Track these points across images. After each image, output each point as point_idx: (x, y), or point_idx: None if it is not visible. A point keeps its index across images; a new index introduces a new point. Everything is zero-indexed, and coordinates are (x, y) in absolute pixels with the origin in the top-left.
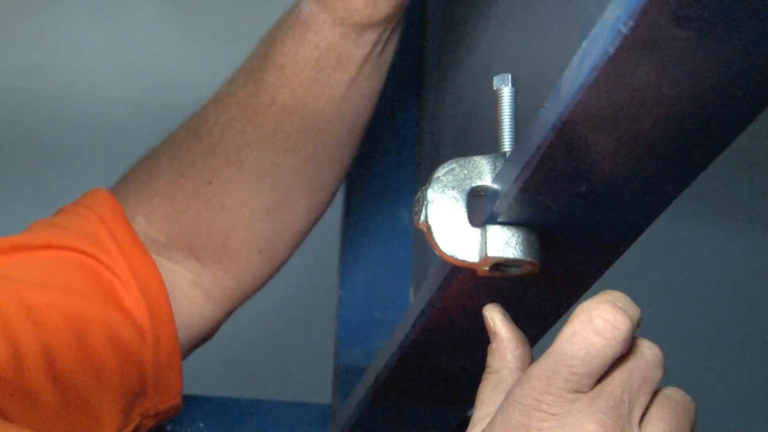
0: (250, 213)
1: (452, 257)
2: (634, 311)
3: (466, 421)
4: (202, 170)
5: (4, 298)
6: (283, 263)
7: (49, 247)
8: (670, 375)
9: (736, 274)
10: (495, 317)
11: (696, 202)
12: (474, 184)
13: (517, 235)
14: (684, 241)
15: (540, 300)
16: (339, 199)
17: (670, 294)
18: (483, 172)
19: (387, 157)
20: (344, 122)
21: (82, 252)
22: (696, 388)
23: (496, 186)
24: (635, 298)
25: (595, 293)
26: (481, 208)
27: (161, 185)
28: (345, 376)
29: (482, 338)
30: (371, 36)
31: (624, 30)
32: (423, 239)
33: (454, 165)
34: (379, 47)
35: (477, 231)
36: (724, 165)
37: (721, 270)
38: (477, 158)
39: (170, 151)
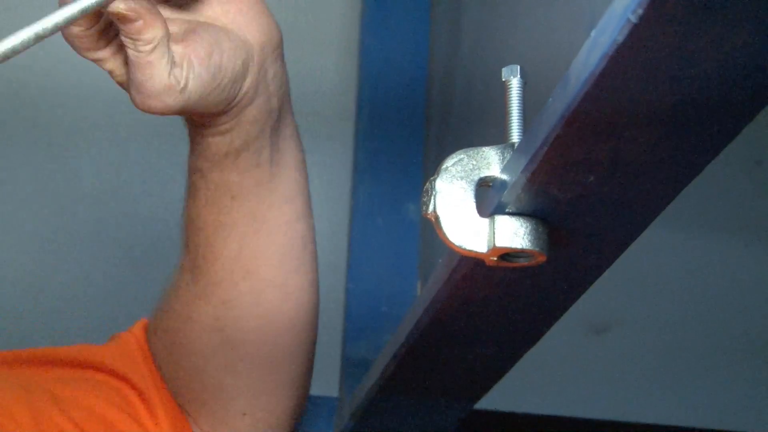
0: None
1: (460, 247)
2: None
3: (473, 414)
4: None
5: (33, 388)
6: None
7: (84, 366)
8: (676, 375)
9: (739, 276)
10: None
11: (701, 200)
12: (482, 175)
13: (525, 226)
14: (687, 241)
15: (547, 291)
16: (346, 193)
17: (673, 294)
18: (491, 163)
19: (394, 151)
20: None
21: (113, 372)
22: (700, 389)
23: (504, 176)
24: (638, 299)
25: (601, 285)
26: (489, 199)
27: None
28: (352, 369)
29: (490, 331)
30: (220, 147)
31: (633, 19)
32: (430, 233)
33: (462, 155)
34: (248, 160)
35: (485, 221)
36: (730, 163)
37: (724, 271)
38: (485, 149)
39: None
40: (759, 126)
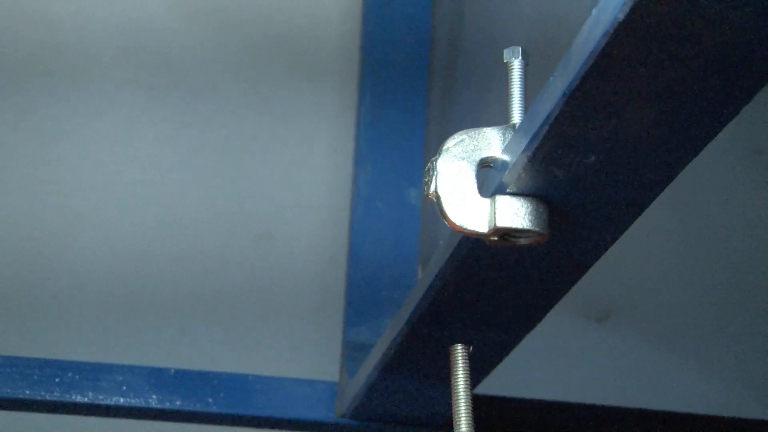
0: None
1: (461, 227)
2: None
3: (472, 399)
4: None
5: None
6: None
7: None
8: (677, 362)
9: (740, 266)
10: None
11: (700, 190)
12: (484, 155)
13: (526, 206)
14: (687, 229)
15: (547, 272)
16: (347, 177)
17: (674, 281)
18: (492, 143)
19: (395, 135)
20: None
21: None
22: (702, 375)
23: (505, 157)
24: (639, 287)
25: (602, 273)
26: (490, 179)
27: None
28: (353, 353)
29: (490, 313)
30: None
31: None
32: (431, 217)
33: (464, 136)
34: None
35: (486, 201)
36: (729, 152)
37: (726, 258)
38: (486, 129)
39: None
40: (759, 115)
